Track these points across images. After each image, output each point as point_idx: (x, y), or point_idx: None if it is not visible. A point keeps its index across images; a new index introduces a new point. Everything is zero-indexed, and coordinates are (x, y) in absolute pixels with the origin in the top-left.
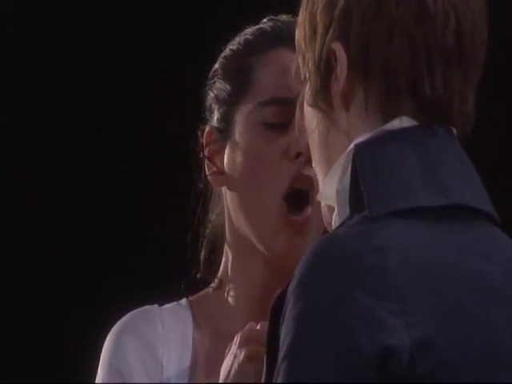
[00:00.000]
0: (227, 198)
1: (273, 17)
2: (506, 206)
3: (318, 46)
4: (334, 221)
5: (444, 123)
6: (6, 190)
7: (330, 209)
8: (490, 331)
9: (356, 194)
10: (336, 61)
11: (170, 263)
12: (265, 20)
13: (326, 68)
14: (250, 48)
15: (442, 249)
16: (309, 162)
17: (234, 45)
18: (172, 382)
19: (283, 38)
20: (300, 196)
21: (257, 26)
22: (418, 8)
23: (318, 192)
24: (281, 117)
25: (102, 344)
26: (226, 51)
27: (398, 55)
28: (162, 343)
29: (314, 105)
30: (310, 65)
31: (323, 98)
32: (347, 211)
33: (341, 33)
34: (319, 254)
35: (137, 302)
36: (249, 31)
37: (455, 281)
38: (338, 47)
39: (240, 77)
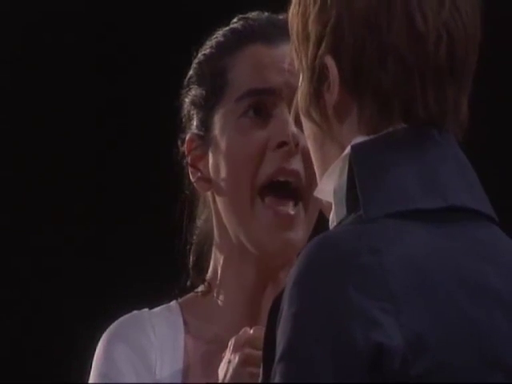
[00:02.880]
0: (216, 202)
1: (242, 15)
2: (505, 205)
3: (310, 54)
4: (332, 219)
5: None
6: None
7: (330, 205)
8: (484, 332)
9: (353, 194)
10: (329, 74)
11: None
12: (234, 20)
13: (318, 79)
14: (223, 49)
15: (437, 250)
16: (295, 150)
17: (205, 49)
18: None
19: (255, 34)
20: (284, 189)
21: (227, 27)
22: (409, 31)
23: (307, 186)
24: (259, 108)
25: (94, 348)
26: (199, 56)
27: (390, 79)
28: (155, 350)
29: (307, 114)
30: (302, 70)
31: (316, 108)
32: (344, 211)
33: (333, 48)
34: (314, 254)
35: (129, 305)
36: (219, 33)
37: (449, 282)
38: (330, 63)
39: (216, 79)
